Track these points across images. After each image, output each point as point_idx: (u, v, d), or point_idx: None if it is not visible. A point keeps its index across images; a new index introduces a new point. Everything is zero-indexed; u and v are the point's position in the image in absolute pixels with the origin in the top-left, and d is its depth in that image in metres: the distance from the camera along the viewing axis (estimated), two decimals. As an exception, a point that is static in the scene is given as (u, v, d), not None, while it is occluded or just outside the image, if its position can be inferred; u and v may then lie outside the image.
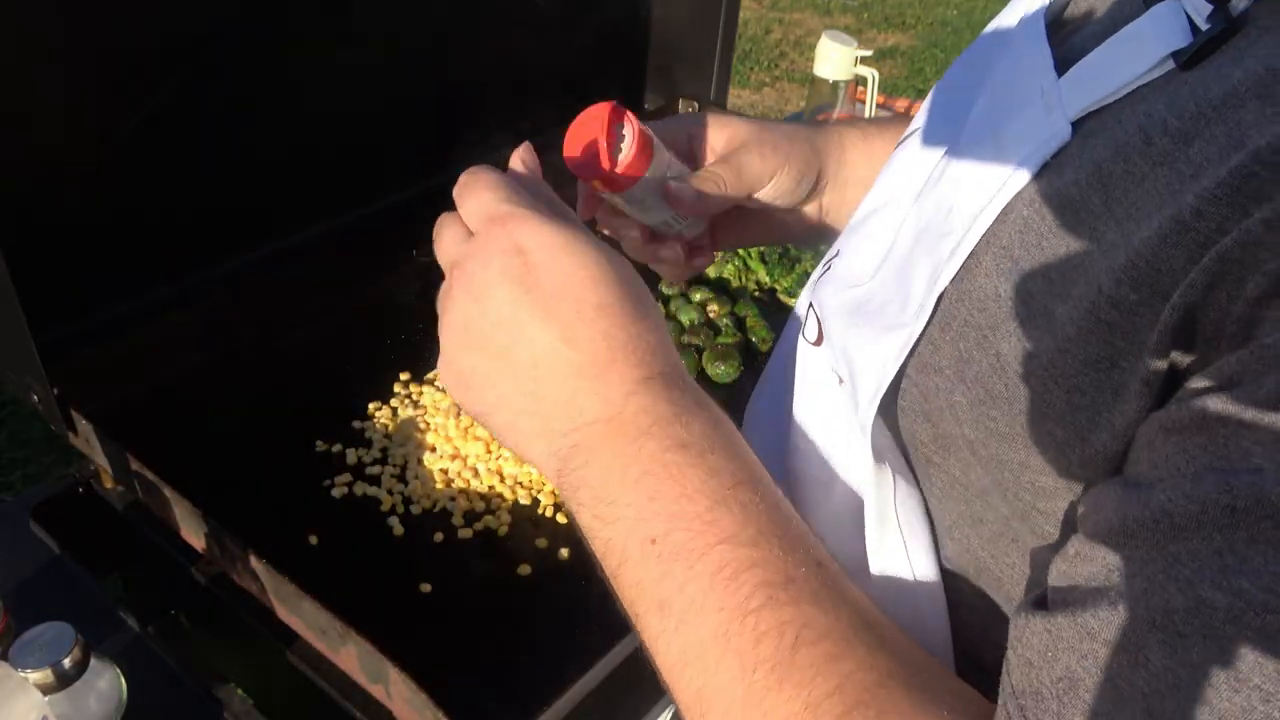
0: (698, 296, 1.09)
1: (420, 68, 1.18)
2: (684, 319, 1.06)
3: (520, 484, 0.84)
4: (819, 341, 0.55)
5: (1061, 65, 0.41)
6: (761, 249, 1.18)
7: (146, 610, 0.85)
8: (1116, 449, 0.35)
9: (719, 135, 0.66)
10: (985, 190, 0.41)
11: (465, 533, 0.80)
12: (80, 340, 0.90)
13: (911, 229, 0.47)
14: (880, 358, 0.45)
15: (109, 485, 0.93)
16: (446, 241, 0.48)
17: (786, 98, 4.42)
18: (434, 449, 0.86)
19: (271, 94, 1.02)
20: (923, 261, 0.44)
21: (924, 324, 0.42)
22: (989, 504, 0.42)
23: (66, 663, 0.69)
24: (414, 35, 1.16)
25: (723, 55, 1.45)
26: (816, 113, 1.63)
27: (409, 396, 0.93)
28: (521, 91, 1.32)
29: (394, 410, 0.91)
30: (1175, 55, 0.35)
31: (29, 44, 0.83)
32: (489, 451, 0.86)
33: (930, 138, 0.52)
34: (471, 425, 0.87)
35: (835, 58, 1.56)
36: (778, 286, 1.14)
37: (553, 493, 0.83)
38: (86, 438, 0.86)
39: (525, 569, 0.77)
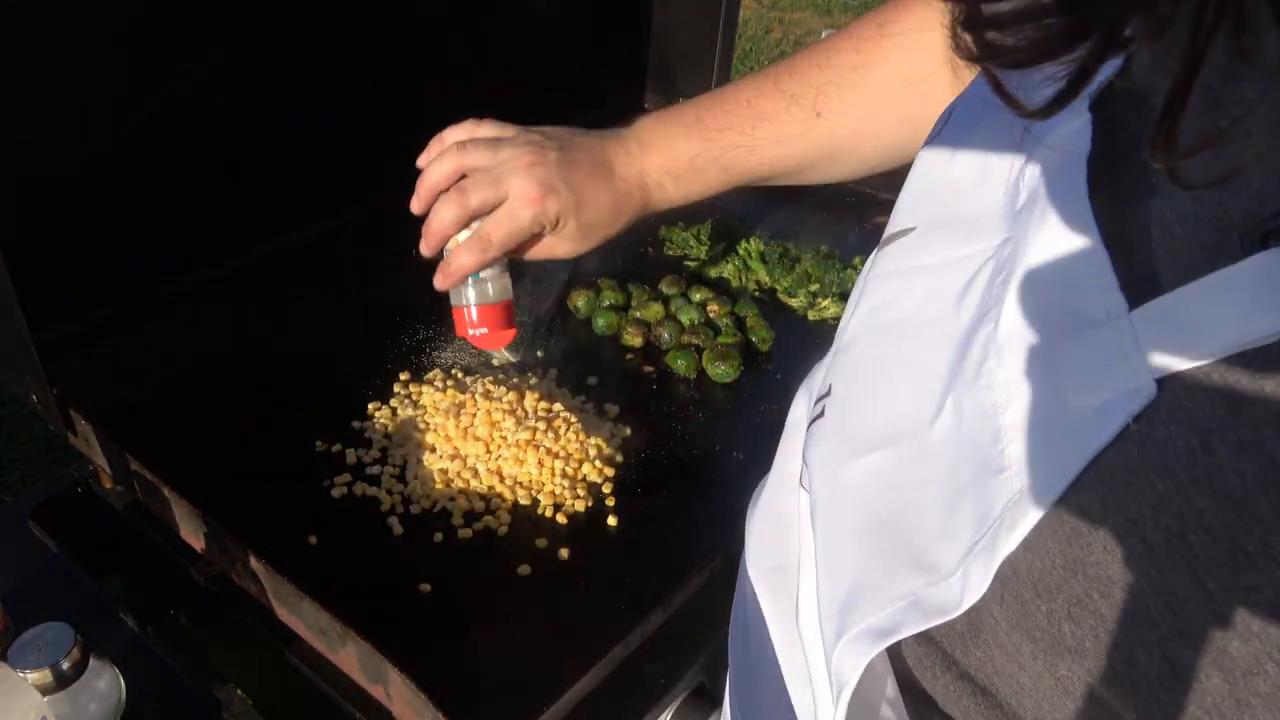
0: (698, 296, 1.09)
1: (419, 67, 1.18)
2: (684, 319, 1.06)
3: (520, 484, 0.84)
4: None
5: (1123, 263, 0.33)
6: (762, 249, 1.18)
7: (146, 610, 0.85)
8: None
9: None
10: (1045, 433, 0.34)
11: (465, 533, 0.80)
12: (80, 340, 0.90)
13: (948, 433, 0.38)
14: (898, 596, 0.38)
15: (108, 485, 0.93)
16: None
17: (786, 98, 4.42)
18: (434, 449, 0.86)
19: (271, 94, 1.02)
20: (968, 495, 0.36)
21: (980, 594, 0.35)
22: None
23: (65, 663, 0.69)
24: (413, 35, 1.16)
25: (723, 55, 1.45)
26: (816, 113, 1.63)
27: (409, 396, 0.93)
28: (521, 92, 1.32)
29: (394, 410, 0.91)
30: None
31: (29, 45, 0.83)
32: (489, 452, 0.86)
33: (938, 250, 0.43)
34: (471, 425, 0.87)
35: (835, 58, 1.56)
36: (778, 286, 1.14)
37: (552, 492, 0.83)
38: (86, 438, 0.86)
39: (525, 569, 0.77)
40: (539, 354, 1.02)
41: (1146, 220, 0.33)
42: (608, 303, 1.08)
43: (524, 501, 0.83)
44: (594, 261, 1.18)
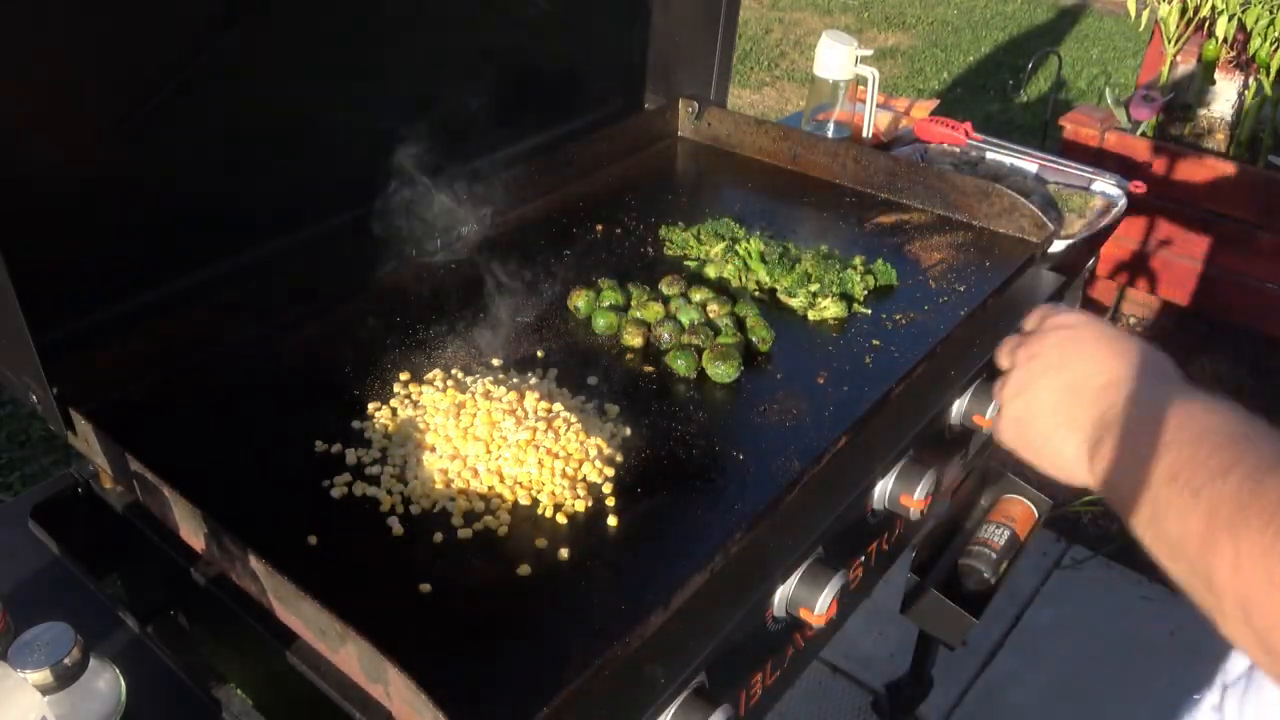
0: (698, 296, 1.09)
1: (418, 68, 1.18)
2: (684, 319, 1.06)
3: (520, 484, 0.84)
4: None
5: None
6: (761, 249, 1.18)
7: (146, 610, 0.85)
8: None
9: None
10: None
11: (465, 533, 0.80)
12: (80, 340, 0.90)
13: None
14: None
15: (109, 485, 0.93)
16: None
17: (786, 98, 4.42)
18: (434, 449, 0.86)
19: (271, 96, 1.02)
20: None
21: None
22: None
23: (66, 663, 0.69)
24: (412, 36, 1.16)
25: (723, 55, 1.45)
26: (816, 112, 1.63)
27: (409, 396, 0.93)
28: (523, 91, 1.32)
29: (394, 410, 0.91)
30: None
31: (30, 47, 0.83)
32: (489, 452, 0.86)
33: None
34: (471, 425, 0.87)
35: (835, 57, 1.56)
36: (778, 286, 1.14)
37: (552, 492, 0.83)
38: (86, 438, 0.86)
39: (525, 569, 0.77)
40: (539, 354, 1.02)
41: None
42: (608, 303, 1.08)
43: (524, 501, 0.83)
44: (592, 262, 1.18)
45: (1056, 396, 0.66)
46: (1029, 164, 1.56)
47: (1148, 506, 0.55)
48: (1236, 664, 0.79)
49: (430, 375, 0.96)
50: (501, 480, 0.84)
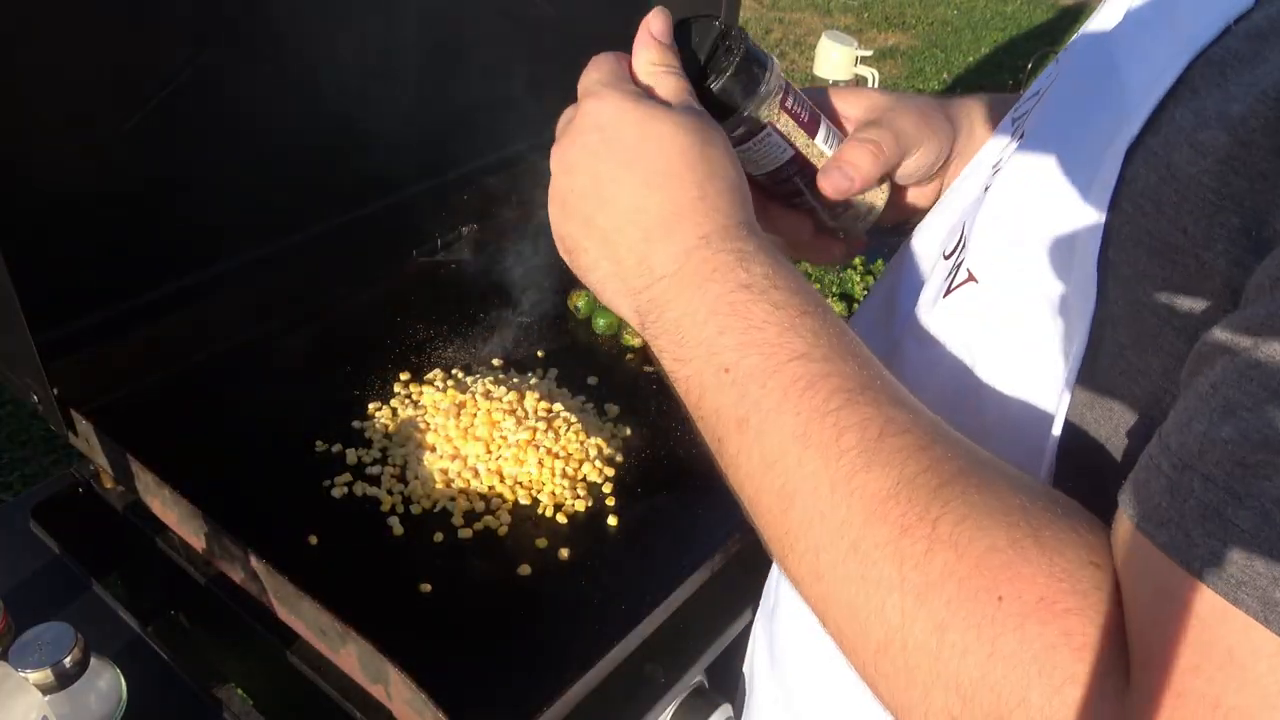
0: (698, 296, 1.09)
1: (417, 67, 1.18)
2: (684, 319, 1.06)
3: (520, 484, 0.84)
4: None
5: None
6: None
7: (146, 610, 0.85)
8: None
9: (855, 105, 0.61)
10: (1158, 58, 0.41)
11: (465, 533, 0.80)
12: (80, 340, 0.90)
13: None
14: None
15: (109, 485, 0.93)
16: (562, 117, 0.54)
17: (786, 98, 4.42)
18: (434, 449, 0.86)
19: (271, 94, 1.02)
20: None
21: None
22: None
23: (66, 663, 0.69)
24: (411, 35, 1.16)
25: (723, 55, 1.45)
26: (816, 113, 1.63)
27: (409, 396, 0.93)
28: (522, 90, 1.32)
29: (394, 410, 0.91)
30: None
31: (30, 46, 0.83)
32: (489, 451, 0.86)
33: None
34: (471, 425, 0.87)
35: (835, 58, 1.57)
36: (778, 286, 1.14)
37: (553, 493, 0.83)
38: (86, 438, 0.86)
39: (525, 569, 0.77)
40: (539, 354, 1.02)
41: None
42: (608, 303, 1.08)
43: (524, 501, 0.83)
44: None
45: (593, 237, 0.51)
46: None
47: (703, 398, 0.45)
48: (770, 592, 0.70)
49: (430, 375, 0.96)
50: (501, 480, 0.84)
